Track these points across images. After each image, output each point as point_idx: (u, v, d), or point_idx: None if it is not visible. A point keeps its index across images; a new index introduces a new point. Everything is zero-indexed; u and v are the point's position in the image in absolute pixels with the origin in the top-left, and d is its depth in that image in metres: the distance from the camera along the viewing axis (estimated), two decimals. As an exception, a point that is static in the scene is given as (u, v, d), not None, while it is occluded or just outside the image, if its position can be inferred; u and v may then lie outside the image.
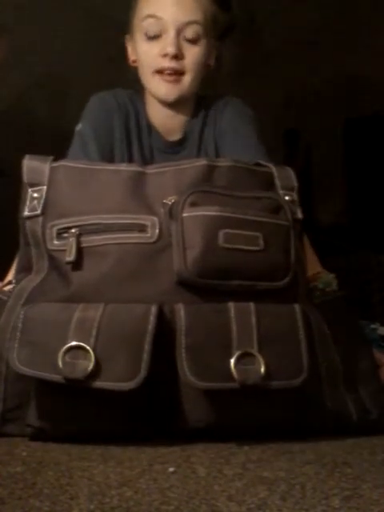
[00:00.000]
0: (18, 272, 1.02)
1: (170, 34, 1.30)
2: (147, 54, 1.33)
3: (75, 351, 0.85)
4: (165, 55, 1.30)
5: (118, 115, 1.37)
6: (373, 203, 2.80)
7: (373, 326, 1.51)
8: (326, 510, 0.62)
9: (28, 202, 1.00)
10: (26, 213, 0.99)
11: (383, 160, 2.81)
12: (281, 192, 1.04)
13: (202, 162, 1.01)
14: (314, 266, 1.19)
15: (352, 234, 2.72)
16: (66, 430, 0.89)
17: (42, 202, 0.99)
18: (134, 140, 1.38)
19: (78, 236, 0.95)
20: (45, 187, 1.00)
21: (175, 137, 1.42)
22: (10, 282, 1.06)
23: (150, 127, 1.41)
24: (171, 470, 0.75)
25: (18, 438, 0.90)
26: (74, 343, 0.85)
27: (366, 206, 2.85)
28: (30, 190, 1.00)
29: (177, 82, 1.32)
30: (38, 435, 0.89)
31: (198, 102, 1.43)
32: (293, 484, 0.70)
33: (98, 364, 0.84)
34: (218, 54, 1.43)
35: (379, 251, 2.37)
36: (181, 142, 1.41)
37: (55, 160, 1.03)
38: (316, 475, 0.73)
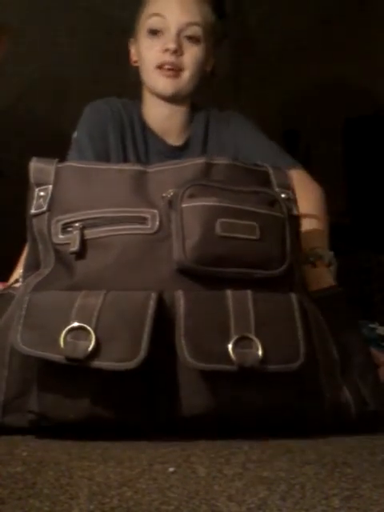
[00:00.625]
0: (25, 270, 1.04)
1: (172, 32, 1.42)
2: (149, 50, 1.45)
3: (77, 332, 0.87)
4: (166, 50, 1.41)
5: (113, 123, 1.46)
6: (373, 203, 2.80)
7: (371, 325, 1.51)
8: (326, 509, 0.62)
9: (35, 201, 1.02)
10: (33, 211, 1.02)
11: (383, 160, 2.81)
12: (277, 189, 1.07)
13: (201, 160, 1.04)
14: (315, 239, 1.24)
15: (352, 233, 2.72)
16: (66, 415, 0.89)
17: (48, 199, 1.02)
18: (129, 145, 1.46)
19: (82, 229, 0.97)
20: (51, 186, 1.03)
21: (176, 141, 1.50)
22: (16, 281, 1.08)
23: (148, 132, 1.49)
24: (171, 469, 0.75)
25: (17, 438, 0.91)
26: (75, 324, 0.87)
27: (366, 206, 2.85)
28: (36, 189, 1.03)
29: (175, 76, 1.43)
30: (39, 422, 0.90)
31: (197, 110, 1.53)
32: (293, 484, 0.70)
33: (98, 344, 0.86)
34: (214, 62, 1.52)
35: (379, 251, 2.38)
36: (183, 148, 1.49)
37: (60, 162, 1.06)
38: (316, 475, 0.73)
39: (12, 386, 0.94)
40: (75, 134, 1.47)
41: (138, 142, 1.48)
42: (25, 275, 1.03)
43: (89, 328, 0.87)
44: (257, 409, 0.91)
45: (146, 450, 0.84)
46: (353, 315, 1.09)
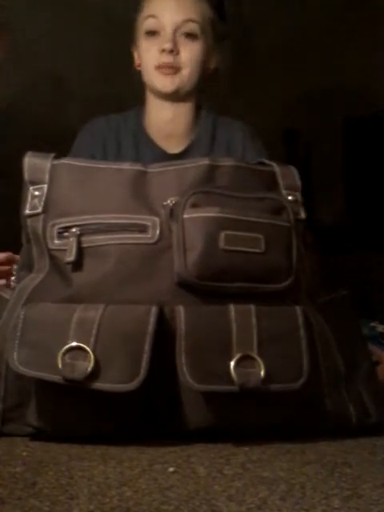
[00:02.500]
0: (19, 269, 1.02)
1: (167, 32, 1.43)
2: (147, 51, 1.46)
3: (75, 352, 0.85)
4: (163, 50, 1.42)
5: (96, 146, 1.48)
6: (373, 203, 2.80)
7: (372, 323, 1.52)
8: (326, 509, 0.62)
9: (29, 200, 0.98)
10: (27, 211, 0.98)
11: (383, 160, 2.80)
12: (284, 192, 1.02)
13: (205, 161, 0.99)
14: None
15: (352, 233, 2.71)
16: (65, 430, 0.89)
17: (42, 200, 0.98)
18: (129, 160, 1.40)
19: (79, 236, 0.94)
20: (46, 185, 0.98)
21: (177, 146, 1.49)
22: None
23: (143, 141, 1.49)
24: (171, 470, 0.75)
25: (17, 438, 0.90)
26: (73, 344, 0.85)
27: (365, 206, 2.85)
28: (31, 187, 0.99)
29: (174, 74, 1.43)
30: (38, 434, 0.89)
31: (204, 114, 1.51)
32: (293, 484, 0.70)
33: (97, 365, 0.84)
34: (217, 60, 1.52)
35: (379, 251, 2.37)
36: (182, 155, 1.46)
37: (57, 157, 1.02)
38: (316, 475, 0.73)
39: (10, 397, 0.92)
40: None
41: (125, 155, 1.47)
42: (18, 275, 1.01)
43: (87, 348, 0.84)
44: (258, 425, 0.89)
45: (146, 450, 0.84)
46: (357, 320, 1.07)
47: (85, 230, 0.94)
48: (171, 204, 0.95)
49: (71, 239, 0.94)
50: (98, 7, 2.50)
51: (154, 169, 1.00)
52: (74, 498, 0.65)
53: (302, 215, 1.02)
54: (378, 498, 0.66)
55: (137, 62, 1.54)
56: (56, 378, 0.84)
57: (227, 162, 1.01)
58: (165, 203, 0.95)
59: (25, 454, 0.83)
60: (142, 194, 0.97)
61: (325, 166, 2.88)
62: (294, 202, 1.02)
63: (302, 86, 2.83)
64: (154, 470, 0.75)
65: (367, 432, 0.95)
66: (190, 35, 1.44)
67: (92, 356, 0.84)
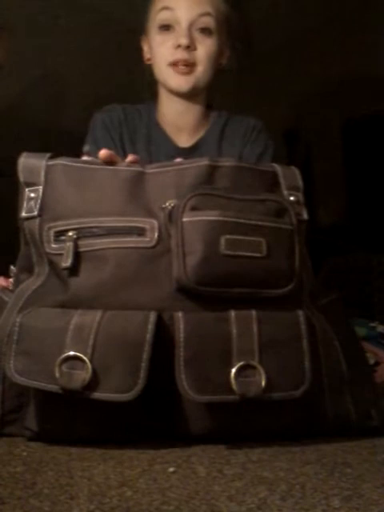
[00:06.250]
0: (19, 272, 1.00)
1: (183, 26, 1.38)
2: (161, 46, 1.41)
3: (72, 361, 0.84)
4: (178, 46, 1.38)
5: (114, 133, 1.44)
6: (372, 203, 2.80)
7: (372, 324, 1.52)
8: (326, 509, 0.63)
9: (25, 203, 0.97)
10: (24, 214, 0.97)
11: (383, 160, 2.81)
12: (285, 192, 1.01)
13: (204, 161, 0.97)
14: None
15: (352, 233, 2.72)
16: (64, 435, 0.88)
17: (38, 202, 0.96)
18: (142, 152, 1.41)
19: (76, 240, 0.92)
20: (41, 187, 0.97)
21: (187, 141, 1.47)
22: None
23: (157, 134, 1.46)
24: (171, 470, 0.75)
25: (18, 438, 0.90)
26: (71, 353, 0.84)
27: (365, 206, 2.85)
28: (26, 189, 0.97)
29: (190, 73, 1.39)
30: (37, 438, 0.89)
31: (214, 111, 1.50)
32: (293, 484, 0.70)
33: (95, 375, 0.83)
34: (229, 54, 1.49)
35: (379, 251, 2.37)
36: (192, 150, 1.44)
37: (53, 157, 1.00)
38: (316, 475, 0.73)
39: (8, 400, 0.92)
40: (86, 147, 1.42)
41: (141, 149, 1.43)
42: (18, 277, 0.99)
43: (84, 358, 0.83)
44: (258, 431, 0.89)
45: (146, 450, 0.84)
46: (351, 322, 1.05)
47: (82, 234, 0.92)
48: (170, 207, 0.93)
49: (68, 244, 0.92)
50: (98, 7, 2.50)
51: (152, 169, 0.98)
52: (74, 497, 0.65)
53: (305, 216, 1.01)
54: (378, 498, 0.66)
55: (146, 56, 1.49)
56: (53, 387, 0.83)
57: (227, 163, 0.98)
58: (163, 206, 0.94)
59: (25, 453, 0.83)
60: (140, 195, 0.95)
61: (325, 166, 2.88)
62: (296, 202, 1.00)
63: (302, 86, 2.84)
64: (153, 470, 0.75)
65: (367, 432, 0.95)
66: (206, 30, 1.39)
67: (89, 366, 0.83)
